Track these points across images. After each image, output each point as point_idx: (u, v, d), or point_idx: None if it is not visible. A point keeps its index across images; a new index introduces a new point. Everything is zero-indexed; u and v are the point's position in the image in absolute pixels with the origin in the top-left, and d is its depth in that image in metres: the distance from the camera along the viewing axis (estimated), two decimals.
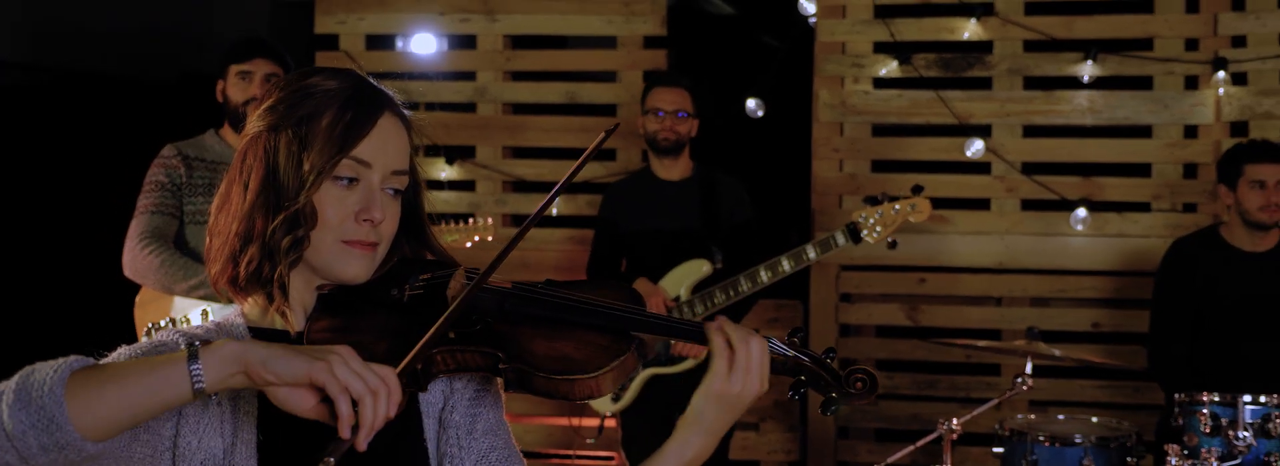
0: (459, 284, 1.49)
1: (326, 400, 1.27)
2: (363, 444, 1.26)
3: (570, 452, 4.79)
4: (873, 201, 3.90)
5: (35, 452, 1.23)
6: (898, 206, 3.85)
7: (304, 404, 1.29)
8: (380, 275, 1.51)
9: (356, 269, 1.48)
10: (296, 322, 1.49)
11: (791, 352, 1.51)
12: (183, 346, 1.41)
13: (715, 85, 6.81)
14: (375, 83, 1.58)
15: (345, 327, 1.46)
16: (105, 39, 7.20)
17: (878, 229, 3.84)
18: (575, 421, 4.55)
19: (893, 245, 3.89)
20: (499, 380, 1.55)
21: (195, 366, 1.25)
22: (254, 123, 1.49)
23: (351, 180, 1.46)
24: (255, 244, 1.45)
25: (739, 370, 1.47)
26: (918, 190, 3.88)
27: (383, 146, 1.49)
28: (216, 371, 1.26)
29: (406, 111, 1.59)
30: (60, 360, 1.29)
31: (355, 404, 1.26)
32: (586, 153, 1.46)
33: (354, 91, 1.51)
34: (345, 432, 1.26)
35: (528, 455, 5.11)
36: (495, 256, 1.44)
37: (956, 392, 4.85)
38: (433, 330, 1.36)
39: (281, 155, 1.45)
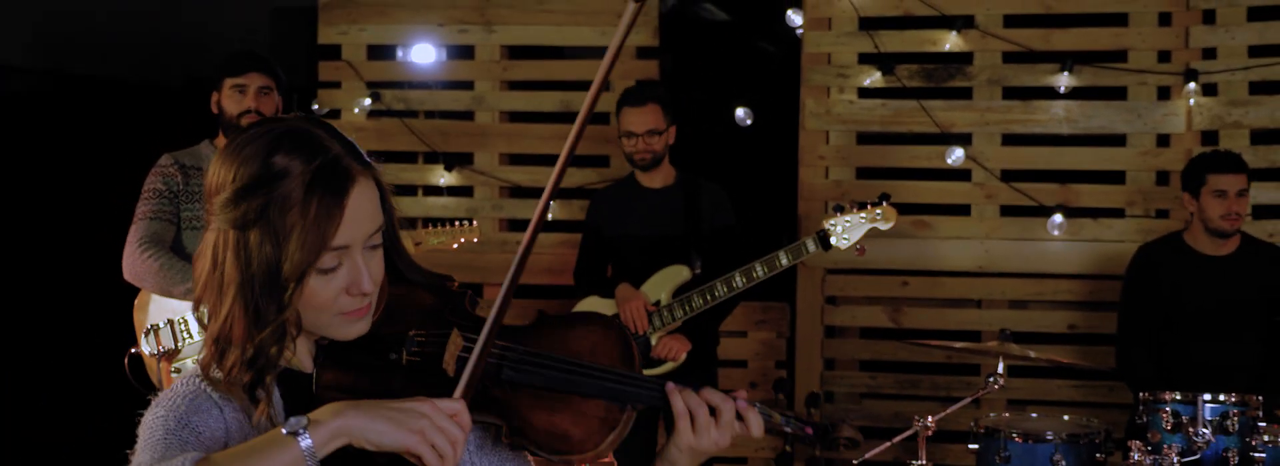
0: (455, 348, 1.54)
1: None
2: None
3: None
4: (840, 209, 4.04)
5: None
6: (864, 214, 4.00)
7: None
8: (376, 327, 1.53)
9: (357, 330, 1.50)
10: (303, 363, 1.54)
11: (788, 429, 1.64)
12: (211, 393, 1.48)
13: (710, 91, 6.99)
14: (337, 139, 1.49)
15: (353, 387, 1.52)
16: (110, 45, 7.34)
17: (846, 236, 4.00)
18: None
19: (861, 251, 4.04)
20: None
21: (306, 443, 1.32)
22: (220, 208, 1.43)
23: (334, 267, 1.45)
24: (236, 349, 1.44)
25: (703, 429, 1.57)
26: (885, 198, 4.03)
27: (357, 219, 1.45)
28: (326, 446, 1.34)
29: (372, 163, 1.52)
30: (175, 459, 1.34)
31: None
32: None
33: (317, 172, 1.43)
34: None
35: None
36: (490, 321, 1.51)
37: (937, 391, 5.00)
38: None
39: (254, 257, 1.41)
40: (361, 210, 1.45)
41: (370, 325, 1.51)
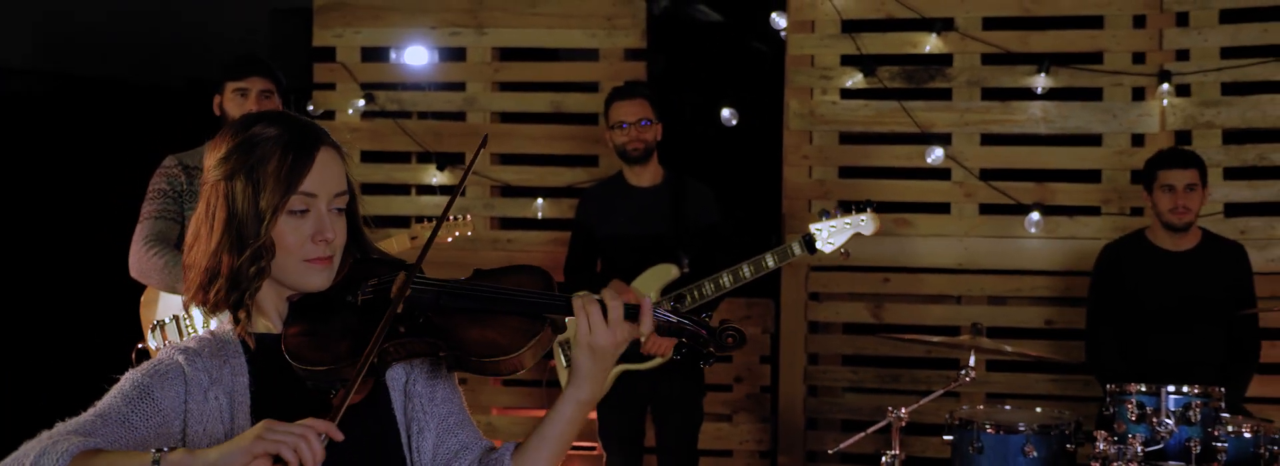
0: (399, 285, 1.79)
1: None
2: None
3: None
4: (826, 214, 4.17)
5: None
6: (849, 220, 4.13)
7: None
8: (338, 282, 1.81)
9: (319, 280, 1.78)
10: (274, 326, 1.81)
11: (673, 319, 1.86)
12: (178, 358, 1.75)
13: (702, 91, 7.10)
14: (307, 120, 1.83)
15: (313, 331, 1.77)
16: (110, 46, 7.44)
17: (831, 241, 4.12)
18: (520, 371, 4.83)
19: (845, 255, 4.17)
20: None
21: None
22: (211, 172, 1.76)
23: (303, 211, 1.75)
24: (223, 276, 1.73)
25: (597, 327, 1.79)
26: (869, 205, 4.15)
27: (323, 177, 1.76)
28: None
29: (339, 144, 1.83)
30: (58, 448, 1.57)
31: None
32: (470, 161, 1.87)
33: (291, 135, 1.76)
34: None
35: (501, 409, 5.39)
36: (421, 253, 1.82)
37: (918, 385, 5.13)
38: (372, 344, 1.69)
39: (239, 199, 1.72)
40: (328, 169, 1.77)
41: (330, 280, 1.79)
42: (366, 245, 1.89)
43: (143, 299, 3.84)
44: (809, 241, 4.15)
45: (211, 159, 1.77)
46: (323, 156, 1.76)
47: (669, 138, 4.50)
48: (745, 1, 7.12)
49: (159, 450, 1.57)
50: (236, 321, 1.78)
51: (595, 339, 1.80)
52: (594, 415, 4.53)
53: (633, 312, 1.82)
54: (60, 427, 1.66)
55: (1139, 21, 5.01)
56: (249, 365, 1.79)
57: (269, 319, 1.82)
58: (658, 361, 4.29)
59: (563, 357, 4.36)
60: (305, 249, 1.75)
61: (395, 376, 1.87)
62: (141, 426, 1.69)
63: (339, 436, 1.57)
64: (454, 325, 1.81)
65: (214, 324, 1.89)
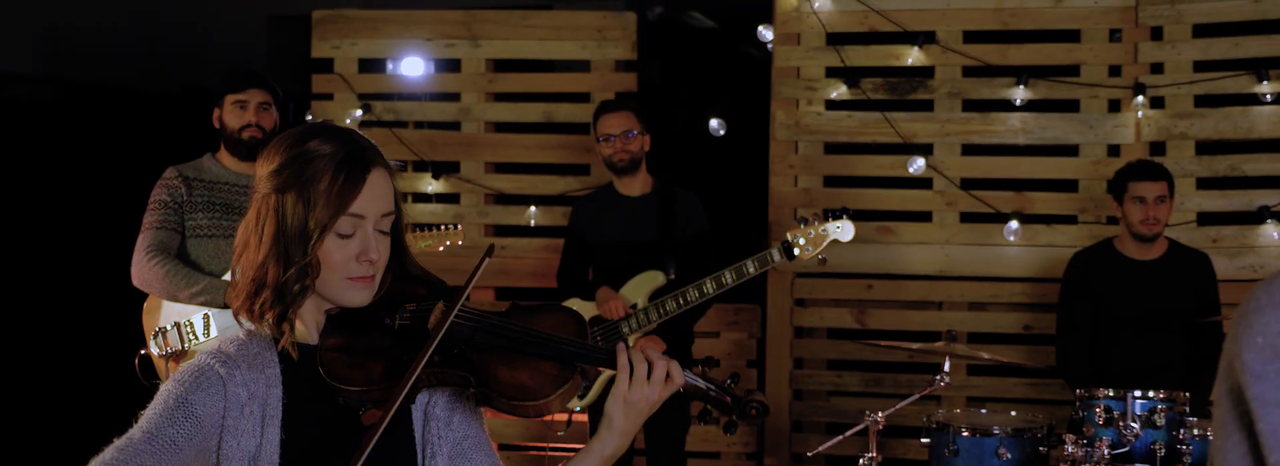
0: (437, 316, 1.81)
1: None
2: None
3: (544, 444, 5.21)
4: (804, 221, 4.30)
5: None
6: (825, 227, 4.26)
7: None
8: (378, 297, 1.84)
9: (360, 298, 1.81)
10: (311, 337, 1.84)
11: (702, 383, 1.89)
12: (219, 370, 1.78)
13: (695, 101, 7.24)
14: (363, 138, 1.83)
15: (349, 347, 1.81)
16: (110, 53, 7.55)
17: (809, 247, 4.26)
18: (547, 416, 4.97)
19: (822, 261, 4.30)
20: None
21: None
22: (263, 182, 1.78)
23: (350, 233, 1.77)
24: (269, 289, 1.76)
25: (638, 383, 1.81)
26: (845, 212, 4.29)
27: (372, 198, 1.77)
28: None
29: (390, 163, 1.85)
30: None
31: None
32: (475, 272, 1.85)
33: (346, 153, 1.77)
34: None
35: (506, 447, 5.57)
36: (464, 286, 1.82)
37: (900, 389, 5.25)
38: (411, 376, 1.75)
39: (289, 215, 1.75)
40: (377, 190, 1.78)
41: (371, 297, 1.82)
42: (407, 261, 1.91)
43: (145, 306, 3.96)
44: (787, 248, 4.28)
45: (264, 169, 1.79)
46: (374, 177, 1.78)
47: (662, 145, 4.62)
48: (738, 8, 7.26)
49: None
50: (279, 333, 1.80)
51: (633, 394, 1.81)
52: (585, 417, 4.67)
53: (672, 375, 1.84)
54: (107, 455, 1.70)
55: (1115, 35, 5.15)
56: (283, 376, 1.82)
57: (307, 328, 1.84)
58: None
59: None
60: (349, 267, 1.78)
61: (418, 397, 1.89)
62: (186, 446, 1.72)
63: None
64: (487, 362, 1.83)
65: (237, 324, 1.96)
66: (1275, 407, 1.00)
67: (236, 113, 4.07)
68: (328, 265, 1.78)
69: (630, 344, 4.38)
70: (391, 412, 1.72)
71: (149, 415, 1.75)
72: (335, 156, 1.76)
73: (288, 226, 1.76)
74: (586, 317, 4.47)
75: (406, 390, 1.74)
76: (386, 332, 1.83)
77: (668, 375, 1.83)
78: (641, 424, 1.88)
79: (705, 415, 1.96)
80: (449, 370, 1.82)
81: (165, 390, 1.77)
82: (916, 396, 4.08)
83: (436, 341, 1.78)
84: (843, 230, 4.28)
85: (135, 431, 1.73)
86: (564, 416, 4.65)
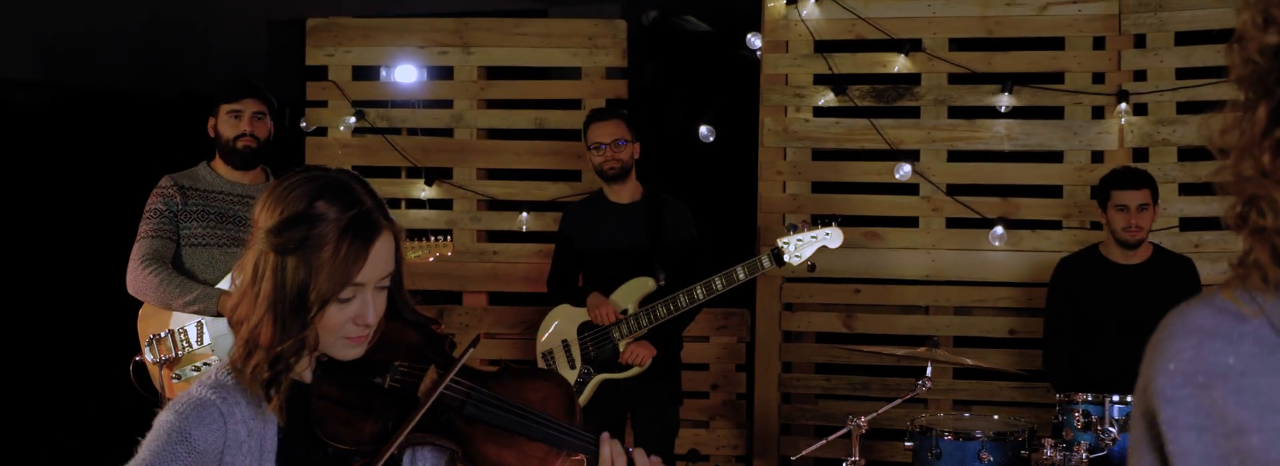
0: (428, 382, 1.85)
1: None
2: None
3: None
4: (794, 228, 4.37)
5: None
6: (814, 234, 4.33)
7: None
8: (369, 354, 1.84)
9: (353, 354, 1.81)
10: (304, 377, 1.84)
11: None
12: (220, 406, 1.78)
13: (690, 103, 7.29)
14: (370, 195, 1.79)
15: (342, 400, 1.83)
16: (109, 59, 7.61)
17: (798, 254, 4.32)
18: None
19: (812, 268, 4.37)
20: None
21: None
22: (264, 238, 1.73)
23: (350, 299, 1.75)
24: (263, 351, 1.73)
25: None
26: (834, 219, 4.35)
27: (376, 265, 1.75)
28: None
29: (395, 221, 1.81)
30: None
31: None
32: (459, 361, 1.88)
33: (351, 219, 1.72)
34: None
35: None
36: (451, 366, 1.86)
37: (887, 392, 5.31)
38: (393, 442, 1.79)
39: (289, 280, 1.71)
40: (381, 256, 1.75)
41: (363, 352, 1.82)
42: (403, 307, 1.90)
43: (140, 313, 4.02)
44: (777, 254, 4.35)
45: (266, 220, 1.74)
46: (379, 245, 1.74)
47: (656, 149, 4.68)
48: (733, 12, 7.32)
49: None
50: (268, 398, 1.76)
51: None
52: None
53: None
54: None
55: (1098, 43, 5.21)
56: (278, 413, 1.81)
57: (300, 367, 1.82)
58: (636, 371, 4.48)
59: (564, 358, 4.55)
60: (346, 328, 1.77)
61: (407, 450, 1.91)
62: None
63: None
64: (475, 435, 1.86)
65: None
66: (1185, 430, 1.06)
67: (231, 122, 4.14)
68: (324, 328, 1.76)
69: (621, 349, 4.47)
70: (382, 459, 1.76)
71: (150, 447, 1.74)
72: (340, 223, 1.72)
73: (287, 292, 1.72)
74: (577, 323, 4.57)
75: (388, 454, 1.78)
76: (377, 391, 1.85)
77: None
78: None
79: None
80: (437, 436, 1.85)
81: (165, 422, 1.76)
82: (898, 401, 4.15)
83: (424, 410, 1.80)
84: (832, 237, 4.34)
85: (137, 462, 1.73)
86: None
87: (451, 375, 1.84)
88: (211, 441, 1.74)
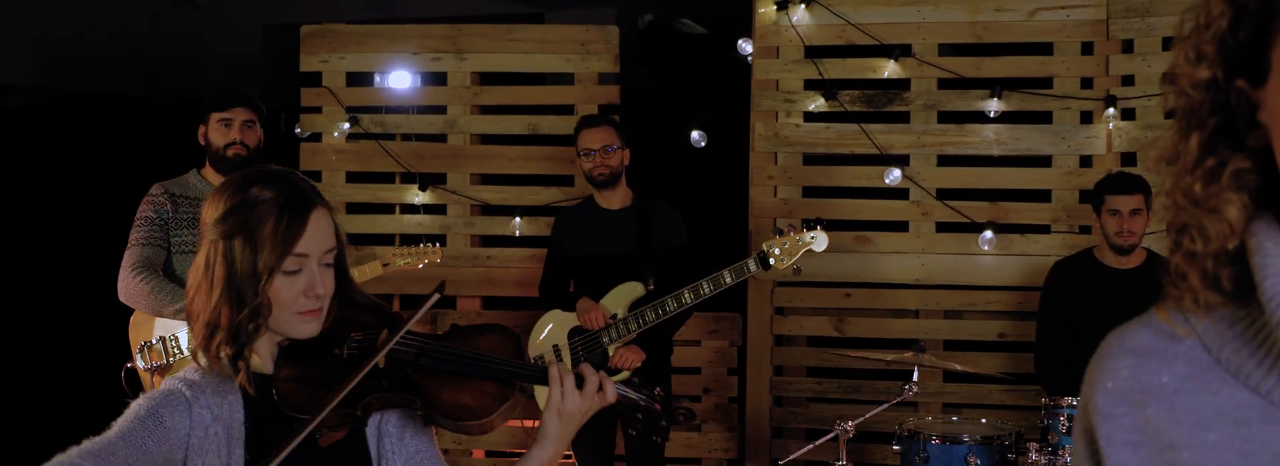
0: (381, 342, 1.95)
1: None
2: None
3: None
4: (780, 232, 4.41)
5: None
6: (800, 238, 4.36)
7: None
8: (326, 330, 1.96)
9: (309, 330, 1.93)
10: (266, 367, 1.96)
11: (631, 394, 2.05)
12: (185, 392, 1.91)
13: (686, 103, 7.33)
14: (302, 180, 1.96)
15: (303, 377, 1.93)
16: (108, 63, 7.65)
17: (784, 258, 4.36)
18: (529, 424, 5.07)
19: (797, 271, 4.40)
20: None
21: None
22: (210, 229, 1.89)
23: (296, 270, 1.88)
24: (223, 330, 1.87)
25: (569, 395, 1.99)
26: (819, 223, 4.39)
27: (315, 237, 1.89)
28: None
29: (329, 202, 1.98)
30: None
31: None
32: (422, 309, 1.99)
33: (286, 197, 1.88)
34: None
35: (490, 453, 5.64)
36: (411, 317, 1.96)
37: (878, 395, 5.35)
38: (344, 392, 1.89)
39: (237, 260, 1.86)
40: (319, 230, 1.90)
41: (320, 329, 1.94)
42: (353, 290, 2.04)
43: (132, 320, 4.06)
44: (763, 259, 4.38)
45: (210, 216, 1.90)
46: (315, 217, 1.90)
47: (650, 155, 4.71)
48: (729, 14, 7.36)
49: None
50: (236, 371, 1.90)
51: (566, 405, 1.99)
52: None
53: (605, 388, 2.01)
54: (83, 446, 1.81)
55: (1087, 48, 5.24)
56: (244, 401, 1.93)
57: (263, 360, 1.96)
58: (624, 375, 4.52)
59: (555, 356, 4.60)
60: (298, 303, 1.89)
61: (372, 416, 2.02)
62: (155, 450, 1.84)
63: None
64: (431, 385, 1.98)
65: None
66: (1121, 447, 1.10)
67: (221, 130, 4.17)
68: (278, 302, 1.88)
69: (611, 353, 4.51)
70: (321, 417, 1.86)
71: (121, 423, 1.87)
72: (277, 201, 1.88)
73: (238, 270, 1.86)
74: (568, 328, 4.61)
75: (339, 399, 1.88)
76: (337, 362, 1.96)
77: (600, 386, 2.00)
78: (575, 431, 2.03)
79: (633, 423, 2.09)
80: (396, 393, 1.97)
81: (136, 405, 1.90)
82: (886, 405, 4.19)
83: (380, 356, 1.92)
84: (817, 241, 4.38)
85: (108, 433, 1.85)
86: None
87: (405, 327, 1.97)
88: (178, 422, 1.87)
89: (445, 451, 5.61)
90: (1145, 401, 1.09)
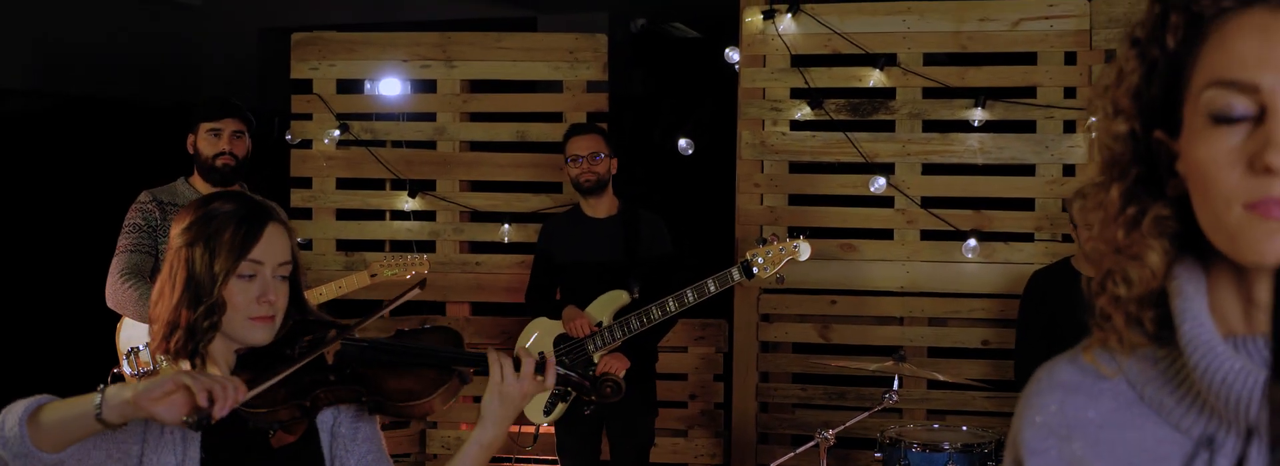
0: (332, 345, 2.09)
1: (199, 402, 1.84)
2: (217, 413, 1.81)
3: (520, 457, 5.35)
4: (763, 241, 4.46)
5: (15, 462, 1.85)
6: (783, 247, 4.41)
7: (180, 410, 1.81)
8: (279, 337, 2.10)
9: (262, 336, 2.06)
10: (224, 373, 2.05)
11: (561, 371, 2.18)
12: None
13: (677, 107, 7.36)
14: (261, 199, 2.13)
15: (255, 380, 2.01)
16: (105, 67, 7.68)
17: (767, 267, 4.41)
18: (513, 429, 5.12)
19: (780, 280, 4.45)
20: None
21: (98, 402, 1.83)
22: (175, 240, 2.06)
23: (251, 276, 2.03)
24: (182, 328, 2.01)
25: (508, 377, 2.11)
26: (801, 233, 4.44)
27: (270, 247, 2.05)
28: (115, 409, 1.82)
29: (288, 221, 2.13)
30: (15, 408, 1.87)
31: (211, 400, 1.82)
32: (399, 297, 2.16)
33: (245, 211, 2.06)
34: (203, 402, 1.81)
35: None
36: (360, 320, 2.12)
37: (863, 402, 5.38)
38: (282, 375, 2.00)
39: (197, 264, 2.01)
40: (274, 242, 2.05)
41: (272, 336, 2.07)
42: (306, 307, 2.17)
43: (119, 326, 4.12)
44: (746, 267, 4.44)
45: (176, 228, 2.06)
46: (271, 230, 2.05)
47: (639, 161, 4.75)
48: (720, 18, 7.40)
49: (100, 389, 1.85)
50: (192, 367, 2.02)
51: (506, 387, 2.10)
52: (552, 430, 4.82)
53: (540, 368, 2.14)
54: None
55: (1070, 58, 5.28)
56: None
57: (220, 368, 2.07)
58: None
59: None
60: (251, 308, 2.02)
61: (324, 419, 2.14)
62: (110, 440, 1.95)
63: (242, 397, 1.86)
64: (375, 376, 2.12)
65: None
66: None
67: (210, 140, 4.23)
68: (232, 306, 2.02)
69: (596, 361, 4.55)
70: (261, 389, 1.96)
71: None
72: (236, 213, 2.05)
73: (196, 274, 2.01)
74: (553, 335, 4.66)
75: (287, 373, 2.00)
76: (288, 363, 2.07)
77: (538, 369, 2.12)
78: (515, 413, 2.13)
79: (567, 394, 2.25)
80: (344, 386, 2.09)
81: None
82: (867, 413, 4.23)
83: (320, 352, 2.05)
84: (799, 250, 4.43)
85: None
86: (531, 429, 4.80)
87: (376, 315, 2.15)
88: (136, 421, 1.93)
89: (433, 456, 5.67)
90: (1071, 436, 1.14)
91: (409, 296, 2.22)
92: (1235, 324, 1.06)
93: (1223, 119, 0.99)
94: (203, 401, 1.80)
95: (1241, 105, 0.98)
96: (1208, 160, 1.00)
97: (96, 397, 1.84)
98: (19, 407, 1.87)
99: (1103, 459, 1.11)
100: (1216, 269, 1.07)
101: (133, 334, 4.06)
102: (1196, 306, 1.05)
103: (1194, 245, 1.08)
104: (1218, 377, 1.01)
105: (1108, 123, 1.08)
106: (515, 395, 2.10)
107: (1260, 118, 0.98)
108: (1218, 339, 1.03)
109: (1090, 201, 1.11)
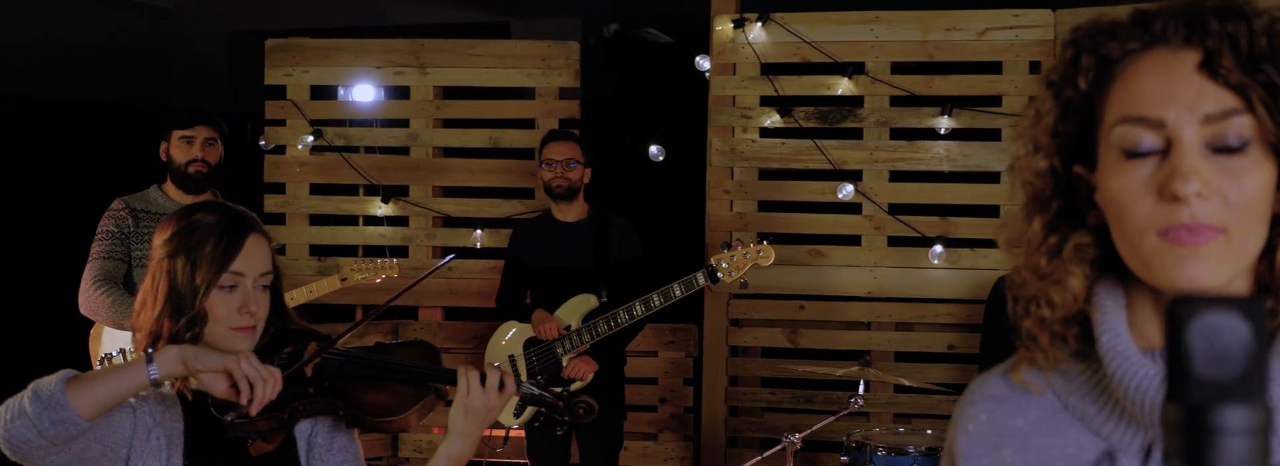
0: (308, 354, 2.13)
1: (234, 387, 1.95)
2: (254, 410, 1.94)
3: (490, 460, 5.40)
4: (727, 246, 4.52)
5: (47, 426, 1.85)
6: (747, 252, 4.48)
7: (219, 386, 1.95)
8: (260, 346, 2.12)
9: (242, 346, 2.07)
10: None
11: (536, 391, 2.23)
12: (130, 400, 2.02)
13: (648, 113, 7.41)
14: (242, 210, 2.15)
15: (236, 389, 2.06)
16: (71, 70, 7.68)
17: (732, 272, 4.48)
18: (484, 432, 5.15)
19: (744, 285, 4.51)
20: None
21: (152, 366, 1.91)
22: (157, 250, 2.09)
23: (232, 287, 2.05)
24: (164, 339, 2.03)
25: (474, 391, 2.12)
26: (764, 238, 4.51)
27: (251, 259, 2.07)
28: (165, 365, 1.91)
29: (268, 233, 2.16)
30: (54, 376, 1.91)
31: (252, 387, 1.94)
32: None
33: (227, 222, 2.08)
34: (244, 400, 1.92)
35: None
36: (340, 335, 2.14)
37: (830, 406, 5.44)
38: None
39: (179, 275, 2.04)
40: (255, 253, 2.07)
41: (252, 345, 2.08)
42: (288, 316, 2.20)
43: (92, 333, 4.14)
44: (712, 272, 4.50)
45: (158, 239, 2.09)
46: (251, 241, 2.08)
47: (610, 166, 4.80)
48: (694, 24, 7.44)
49: (149, 349, 1.94)
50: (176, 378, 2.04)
51: (472, 401, 2.12)
52: (522, 433, 4.86)
53: (505, 384, 2.16)
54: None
55: (1035, 67, 5.35)
56: (185, 413, 2.07)
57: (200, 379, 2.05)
58: (578, 385, 4.62)
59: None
60: (232, 319, 2.05)
61: (302, 429, 2.18)
62: (106, 436, 1.96)
63: (275, 393, 1.95)
64: (354, 390, 2.16)
65: None
66: None
67: (183, 148, 4.26)
68: (213, 317, 2.05)
69: (564, 363, 4.61)
70: (240, 365, 2.00)
71: None
72: (217, 225, 2.07)
73: (178, 285, 2.04)
74: (523, 339, 4.71)
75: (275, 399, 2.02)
76: None
77: (502, 384, 2.13)
78: (483, 427, 2.17)
79: (539, 415, 2.30)
80: (322, 399, 2.13)
81: None
82: (833, 417, 4.29)
83: (300, 366, 2.09)
84: (763, 256, 4.50)
85: None
86: (501, 432, 4.84)
87: (334, 340, 2.16)
88: (123, 420, 1.99)
89: (406, 460, 5.70)
90: (1002, 443, 1.21)
91: (392, 301, 2.27)
92: (1154, 338, 1.13)
93: (1133, 153, 1.06)
94: (242, 396, 1.90)
95: (1149, 140, 1.05)
96: (1121, 192, 1.06)
97: (143, 360, 1.90)
98: (53, 379, 1.89)
99: (1030, 464, 1.18)
100: (1135, 287, 1.13)
101: (105, 340, 4.08)
102: (1114, 320, 1.12)
103: (1115, 266, 1.15)
104: (1133, 385, 1.08)
105: (1029, 159, 1.15)
106: (481, 409, 2.12)
107: (1167, 151, 1.04)
108: (1134, 349, 1.10)
109: (1013, 232, 1.18)
